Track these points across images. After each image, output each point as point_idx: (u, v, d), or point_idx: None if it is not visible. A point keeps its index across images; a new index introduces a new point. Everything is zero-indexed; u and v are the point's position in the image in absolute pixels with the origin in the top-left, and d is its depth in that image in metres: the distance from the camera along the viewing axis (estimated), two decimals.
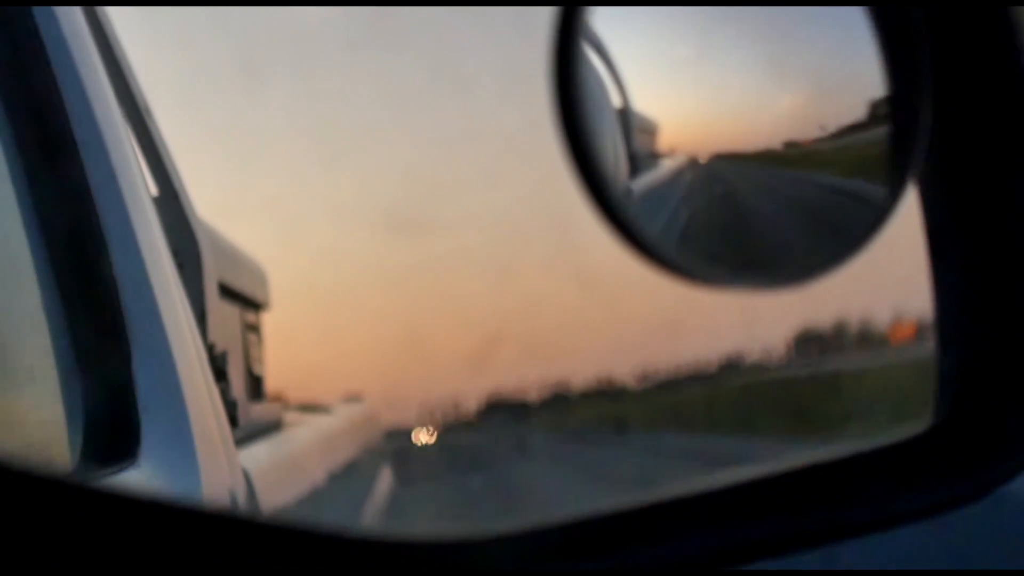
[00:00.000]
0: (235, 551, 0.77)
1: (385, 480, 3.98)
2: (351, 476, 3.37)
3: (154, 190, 2.10)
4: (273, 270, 3.03)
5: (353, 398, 4.75)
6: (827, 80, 1.20)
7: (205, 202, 2.27)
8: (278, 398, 3.22)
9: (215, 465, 1.41)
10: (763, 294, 1.21)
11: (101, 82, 1.43)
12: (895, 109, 1.17)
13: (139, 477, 1.22)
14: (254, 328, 2.85)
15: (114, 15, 1.92)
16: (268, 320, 3.01)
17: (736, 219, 1.19)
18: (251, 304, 2.83)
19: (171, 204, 2.14)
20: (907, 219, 1.20)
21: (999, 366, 1.22)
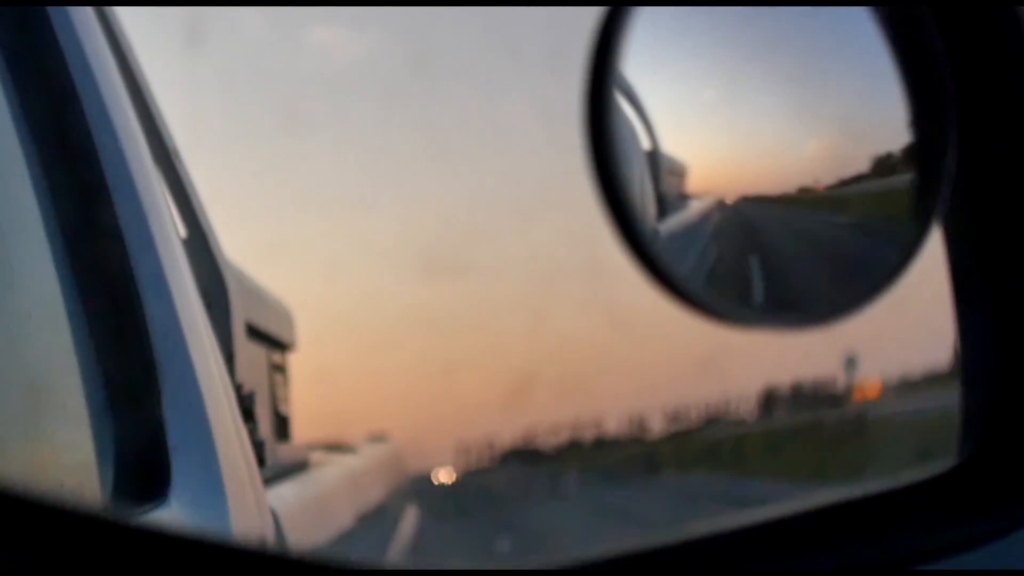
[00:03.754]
0: None
1: (410, 521, 3.97)
2: (378, 516, 3.38)
3: (183, 232, 2.11)
4: (308, 311, 3.05)
5: (378, 437, 4.75)
6: (854, 124, 1.21)
7: (243, 246, 2.29)
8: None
9: (243, 504, 1.42)
10: (789, 334, 1.22)
11: (133, 127, 1.45)
12: (921, 151, 1.18)
13: (169, 516, 1.23)
14: (280, 368, 2.86)
15: (148, 63, 1.95)
16: (297, 359, 3.02)
17: (763, 260, 1.20)
18: (277, 344, 2.84)
19: (200, 245, 2.16)
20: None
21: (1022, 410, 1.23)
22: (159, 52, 2.01)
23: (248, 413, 2.04)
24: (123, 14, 1.77)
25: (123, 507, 1.23)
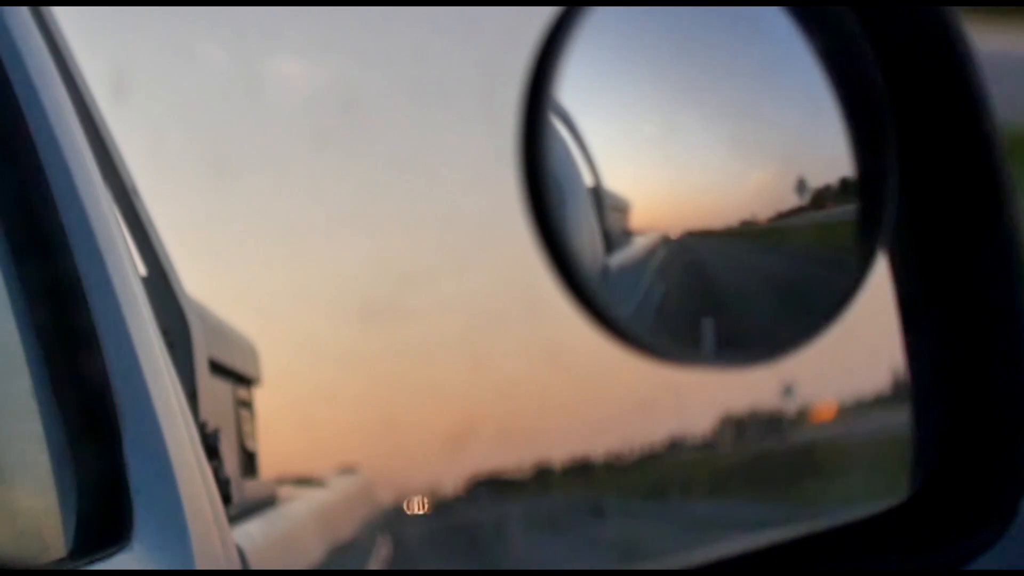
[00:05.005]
0: None
1: (382, 553, 3.95)
2: (349, 549, 3.36)
3: (142, 270, 2.10)
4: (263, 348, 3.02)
5: (348, 469, 4.72)
6: (796, 156, 1.21)
7: (203, 282, 2.27)
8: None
9: (208, 545, 1.41)
10: (738, 371, 1.22)
11: (88, 165, 1.44)
12: (863, 179, 1.18)
13: (132, 560, 1.22)
14: (246, 404, 2.84)
15: (99, 92, 1.92)
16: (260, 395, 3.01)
17: (709, 296, 1.19)
18: (242, 380, 2.83)
19: (160, 283, 2.15)
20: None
21: (974, 436, 1.22)
22: (113, 83, 1.99)
23: (213, 451, 2.02)
24: (77, 37, 1.73)
25: (85, 553, 1.22)
